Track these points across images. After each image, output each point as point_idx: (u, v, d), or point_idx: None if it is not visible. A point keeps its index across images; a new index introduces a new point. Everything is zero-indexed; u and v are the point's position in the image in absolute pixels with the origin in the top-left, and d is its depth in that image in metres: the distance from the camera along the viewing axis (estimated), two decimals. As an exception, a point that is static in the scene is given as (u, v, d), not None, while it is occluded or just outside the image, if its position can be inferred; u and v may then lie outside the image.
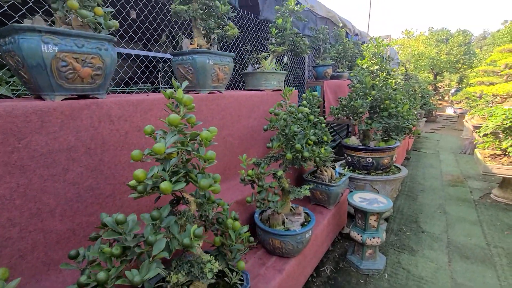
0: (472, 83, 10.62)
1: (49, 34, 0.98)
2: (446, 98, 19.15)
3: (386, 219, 3.20)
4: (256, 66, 2.51)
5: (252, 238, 1.20)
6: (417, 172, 5.00)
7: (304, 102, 2.34)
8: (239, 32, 3.83)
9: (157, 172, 0.86)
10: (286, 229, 1.68)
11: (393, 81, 2.69)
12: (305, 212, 1.90)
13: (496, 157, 3.72)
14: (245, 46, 4.59)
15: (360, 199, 2.35)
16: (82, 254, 0.82)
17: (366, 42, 7.86)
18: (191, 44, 1.74)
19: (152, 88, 3.62)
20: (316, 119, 2.30)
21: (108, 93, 3.03)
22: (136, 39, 2.73)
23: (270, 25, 2.65)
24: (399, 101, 2.79)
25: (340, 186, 2.33)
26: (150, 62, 3.81)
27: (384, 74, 2.85)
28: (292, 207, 1.86)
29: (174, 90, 0.96)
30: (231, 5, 3.15)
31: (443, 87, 20.80)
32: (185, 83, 0.98)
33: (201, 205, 1.03)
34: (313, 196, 2.48)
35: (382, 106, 2.79)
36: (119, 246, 0.75)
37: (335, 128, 6.03)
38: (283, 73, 2.57)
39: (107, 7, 1.23)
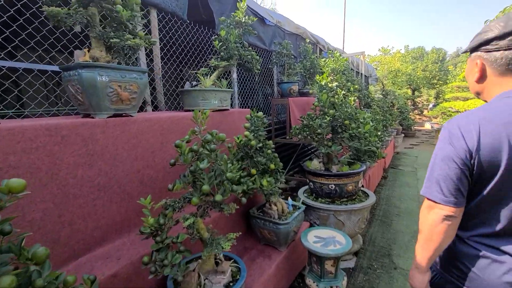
0: (448, 99, 10.79)
1: None
2: (425, 113, 19.60)
3: (356, 253, 2.83)
4: (194, 83, 2.18)
5: None
6: (393, 193, 4.72)
7: (247, 124, 2.00)
8: (198, 47, 3.55)
9: None
10: (203, 294, 1.27)
11: (352, 98, 2.42)
12: (236, 266, 1.50)
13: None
14: (208, 61, 4.30)
15: (315, 238, 1.98)
16: None
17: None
18: (84, 56, 1.38)
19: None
20: (260, 144, 1.95)
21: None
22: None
23: (213, 37, 2.35)
24: (361, 120, 2.51)
25: (290, 223, 1.96)
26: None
27: (344, 91, 2.58)
28: (219, 260, 1.46)
29: None
30: (178, 18, 2.87)
31: (422, 102, 21.37)
32: None
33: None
34: (261, 236, 2.09)
35: (343, 127, 2.49)
36: None
37: (309, 148, 5.74)
38: (226, 90, 2.25)
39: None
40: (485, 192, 0.87)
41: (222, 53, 2.33)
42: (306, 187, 3.02)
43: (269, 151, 1.99)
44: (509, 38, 0.86)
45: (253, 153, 1.95)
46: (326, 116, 2.45)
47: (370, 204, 2.59)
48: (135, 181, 1.59)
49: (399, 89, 17.03)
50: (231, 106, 4.01)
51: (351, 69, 8.85)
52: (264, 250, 2.02)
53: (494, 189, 0.86)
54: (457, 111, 7.24)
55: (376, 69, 15.60)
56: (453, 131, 0.90)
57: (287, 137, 3.76)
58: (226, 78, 2.96)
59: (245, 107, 4.83)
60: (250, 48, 2.52)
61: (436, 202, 0.91)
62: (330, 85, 2.58)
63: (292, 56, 4.02)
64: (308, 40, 4.67)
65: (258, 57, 2.53)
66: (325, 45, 7.23)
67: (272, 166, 2.00)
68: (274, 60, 3.99)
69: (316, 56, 4.51)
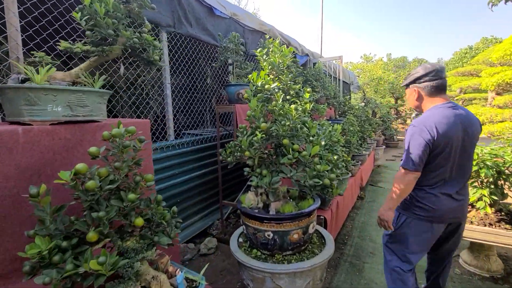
0: (430, 108, 10.31)
1: None
2: (408, 122, 19.32)
3: (309, 325, 1.99)
4: (22, 76, 1.31)
5: None
6: (370, 220, 3.96)
7: (93, 150, 1.15)
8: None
9: None
10: None
11: (293, 106, 1.62)
12: None
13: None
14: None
15: None
16: None
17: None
18: None
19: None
20: (111, 186, 1.10)
21: None
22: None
23: (77, 8, 1.50)
24: (311, 138, 1.71)
25: (164, 327, 1.10)
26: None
27: (290, 96, 1.79)
28: None
29: None
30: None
31: (405, 111, 21.18)
32: None
33: None
34: None
35: (283, 148, 1.68)
36: None
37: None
38: (85, 90, 1.38)
39: None
40: (438, 159, 1.58)
41: (88, 33, 1.49)
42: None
43: (132, 195, 1.14)
44: (430, 75, 1.63)
45: (99, 200, 1.10)
46: (257, 132, 1.64)
47: (323, 261, 1.77)
48: None
49: (382, 97, 16.67)
50: (157, 117, 3.18)
51: (329, 75, 8.21)
52: None
53: (441, 158, 1.58)
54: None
55: (358, 76, 15.16)
56: (422, 128, 1.58)
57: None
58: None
59: (194, 115, 3.99)
60: (145, 30, 1.69)
61: (410, 170, 1.59)
62: (267, 86, 1.78)
63: (242, 53, 3.23)
64: (268, 36, 3.91)
65: (158, 44, 1.70)
66: (298, 47, 6.56)
67: (139, 221, 1.15)
68: (221, 58, 3.18)
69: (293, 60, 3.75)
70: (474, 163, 2.28)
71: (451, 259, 1.89)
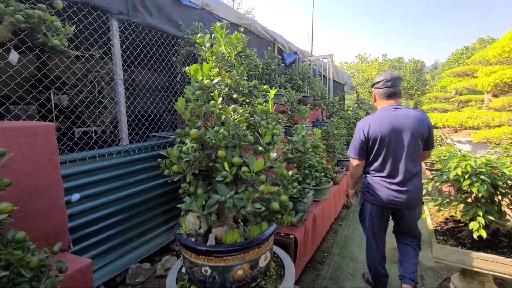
0: (425, 110, 10.06)
1: None
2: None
3: None
4: None
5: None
6: (354, 233, 3.59)
7: None
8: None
9: None
10: None
11: (232, 107, 1.24)
12: None
13: (454, 225, 2.39)
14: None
15: None
16: None
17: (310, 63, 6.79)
18: None
19: None
20: None
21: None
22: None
23: None
24: (260, 148, 1.33)
25: None
26: None
27: (226, 94, 1.41)
28: None
29: None
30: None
31: (400, 113, 20.86)
32: None
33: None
34: None
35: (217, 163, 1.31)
36: None
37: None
38: None
39: None
40: (373, 152, 1.97)
41: None
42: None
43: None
44: (380, 83, 2.03)
45: None
46: (187, 141, 1.26)
47: (276, 305, 1.39)
48: None
49: (377, 98, 16.36)
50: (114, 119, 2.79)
51: (319, 74, 7.85)
52: None
53: (376, 152, 1.96)
54: (435, 125, 6.36)
55: (353, 77, 14.79)
56: (360, 126, 2.01)
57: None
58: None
59: (167, 116, 3.60)
60: (55, 5, 1.31)
61: (352, 157, 2.09)
62: (206, 82, 1.41)
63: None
64: (242, 29, 3.53)
65: (60, 25, 1.32)
66: (285, 45, 6.20)
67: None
68: (182, 51, 2.80)
69: (251, 50, 3.39)
70: (466, 176, 1.92)
71: (411, 247, 2.19)
